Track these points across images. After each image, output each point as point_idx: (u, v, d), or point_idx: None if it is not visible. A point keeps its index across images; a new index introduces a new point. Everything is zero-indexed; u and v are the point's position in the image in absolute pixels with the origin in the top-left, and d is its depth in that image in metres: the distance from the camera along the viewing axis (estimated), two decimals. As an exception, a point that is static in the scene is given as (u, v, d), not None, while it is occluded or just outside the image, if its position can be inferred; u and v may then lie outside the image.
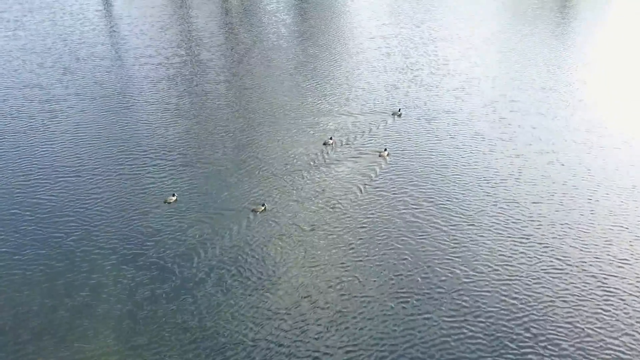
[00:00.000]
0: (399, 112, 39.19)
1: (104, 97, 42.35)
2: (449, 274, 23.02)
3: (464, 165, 32.09)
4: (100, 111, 39.76)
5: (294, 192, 29.29)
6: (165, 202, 28.20)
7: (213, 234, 25.66)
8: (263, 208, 27.53)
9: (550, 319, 20.72)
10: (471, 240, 25.24)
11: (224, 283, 22.54)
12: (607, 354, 19.26)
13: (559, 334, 20.05)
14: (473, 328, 20.34)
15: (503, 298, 21.71)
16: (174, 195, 28.53)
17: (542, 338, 19.88)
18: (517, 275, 22.94)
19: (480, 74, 47.78)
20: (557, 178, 30.62)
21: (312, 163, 32.44)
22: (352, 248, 24.74)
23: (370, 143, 34.75)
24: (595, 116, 38.97)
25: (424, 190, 29.40)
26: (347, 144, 34.48)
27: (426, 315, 20.92)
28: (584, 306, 21.34)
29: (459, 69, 49.35)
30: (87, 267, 23.41)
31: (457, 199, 28.62)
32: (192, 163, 32.45)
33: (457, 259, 23.96)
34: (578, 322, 20.57)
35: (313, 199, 28.65)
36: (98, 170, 31.44)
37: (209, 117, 38.97)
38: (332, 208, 27.71)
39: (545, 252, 24.42)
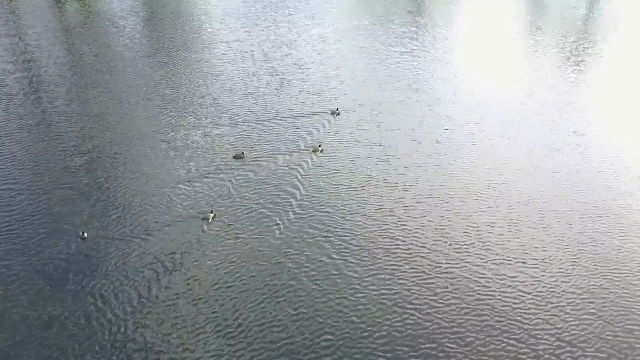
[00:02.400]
0: (337, 111, 41.26)
1: None
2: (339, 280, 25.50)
3: (334, 174, 33.90)
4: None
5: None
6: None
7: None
8: (213, 215, 28.91)
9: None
10: (356, 240, 27.81)
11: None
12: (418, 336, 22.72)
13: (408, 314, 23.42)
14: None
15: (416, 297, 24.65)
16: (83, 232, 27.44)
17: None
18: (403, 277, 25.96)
19: (342, 75, 49.91)
20: (428, 180, 33.61)
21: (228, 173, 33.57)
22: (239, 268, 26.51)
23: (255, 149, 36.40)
24: (455, 112, 42.68)
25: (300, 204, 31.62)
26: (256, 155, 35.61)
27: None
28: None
29: (319, 70, 50.97)
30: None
31: (331, 211, 30.86)
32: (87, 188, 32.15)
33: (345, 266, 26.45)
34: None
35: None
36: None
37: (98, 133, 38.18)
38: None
39: (421, 250, 27.70)
